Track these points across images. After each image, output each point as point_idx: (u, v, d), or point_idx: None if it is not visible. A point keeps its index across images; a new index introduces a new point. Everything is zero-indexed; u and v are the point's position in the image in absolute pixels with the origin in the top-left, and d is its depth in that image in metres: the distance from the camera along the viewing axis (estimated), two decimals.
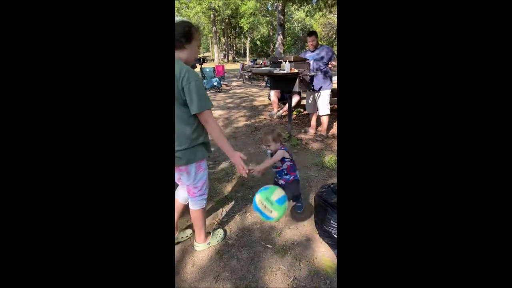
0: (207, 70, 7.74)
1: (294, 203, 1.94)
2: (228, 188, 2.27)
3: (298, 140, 3.30)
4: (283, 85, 2.98)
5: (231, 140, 3.49)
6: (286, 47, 31.46)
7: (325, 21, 21.30)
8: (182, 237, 1.65)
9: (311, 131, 3.66)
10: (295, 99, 4.45)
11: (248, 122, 4.36)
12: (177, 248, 1.59)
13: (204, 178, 1.40)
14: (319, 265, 1.45)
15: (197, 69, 8.03)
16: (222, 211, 1.96)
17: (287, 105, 4.44)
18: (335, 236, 1.49)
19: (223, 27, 25.98)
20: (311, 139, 3.42)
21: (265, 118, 4.59)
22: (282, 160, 1.75)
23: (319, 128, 3.66)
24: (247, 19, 21.21)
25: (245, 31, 24.25)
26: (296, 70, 2.77)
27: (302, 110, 4.82)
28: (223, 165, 2.71)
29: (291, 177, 1.78)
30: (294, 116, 4.62)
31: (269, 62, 3.44)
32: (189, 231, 1.70)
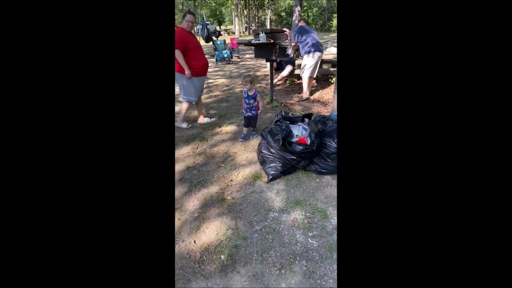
0: (218, 42, 8.23)
1: (252, 130, 2.79)
2: (207, 133, 2.98)
3: (278, 103, 3.86)
4: (263, 53, 3.49)
5: (223, 102, 4.15)
6: (311, 18, 30.09)
7: None
8: None
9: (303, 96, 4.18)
10: (288, 68, 4.90)
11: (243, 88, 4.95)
12: None
13: None
14: (250, 175, 2.14)
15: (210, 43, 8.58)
16: (195, 147, 2.67)
17: (281, 74, 4.93)
18: (264, 157, 2.13)
19: None
20: (295, 103, 3.96)
21: (260, 86, 5.13)
22: (254, 100, 2.49)
23: (302, 93, 4.18)
24: None
25: (266, 2, 23.69)
26: (272, 41, 3.26)
27: (295, 80, 5.26)
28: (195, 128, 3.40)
29: (255, 113, 2.63)
30: (287, 85, 5.10)
31: (253, 34, 3.95)
32: None
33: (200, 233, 1.58)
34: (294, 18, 11.74)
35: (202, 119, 3.29)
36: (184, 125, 3.10)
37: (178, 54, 2.70)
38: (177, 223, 1.66)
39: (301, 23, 4.07)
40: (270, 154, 2.09)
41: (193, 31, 2.89)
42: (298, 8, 11.37)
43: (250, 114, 2.67)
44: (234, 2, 22.78)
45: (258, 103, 2.66)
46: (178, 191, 1.97)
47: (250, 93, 2.60)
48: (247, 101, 2.63)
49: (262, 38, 3.17)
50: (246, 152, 2.50)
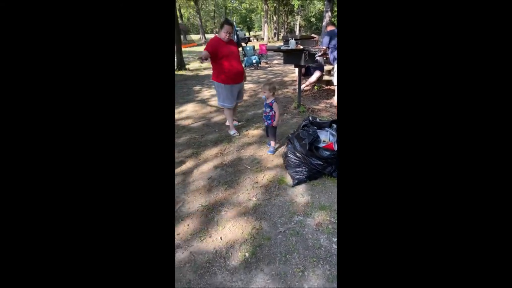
0: (247, 48, 8.45)
1: (268, 144, 2.67)
2: (234, 136, 3.08)
3: (305, 108, 3.87)
4: (292, 59, 3.54)
5: (250, 107, 4.25)
6: None
7: None
8: None
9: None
10: (316, 74, 4.89)
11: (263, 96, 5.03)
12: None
13: None
14: (275, 178, 2.18)
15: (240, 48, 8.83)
16: (223, 149, 2.78)
17: (309, 79, 4.94)
18: (289, 161, 2.17)
19: (275, 4, 25.81)
20: (323, 109, 3.95)
21: (287, 91, 5.17)
22: (271, 109, 2.49)
23: (331, 99, 4.15)
24: None
25: (295, 8, 23.81)
26: (301, 47, 3.30)
27: (323, 85, 5.22)
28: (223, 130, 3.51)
29: (271, 123, 2.54)
30: (315, 90, 5.09)
31: (282, 40, 4.01)
32: None
33: (226, 231, 1.65)
34: (324, 23, 11.56)
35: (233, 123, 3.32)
36: (232, 132, 3.11)
37: (205, 54, 2.70)
38: (204, 220, 1.75)
39: (331, 27, 4.03)
40: (296, 158, 2.12)
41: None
42: (329, 13, 11.23)
43: (267, 124, 2.57)
44: (264, 9, 23.17)
45: (274, 112, 2.51)
46: (206, 189, 2.07)
47: (268, 101, 2.51)
48: (264, 109, 2.57)
49: (292, 44, 3.23)
50: (272, 156, 2.55)
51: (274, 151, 2.60)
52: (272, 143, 2.63)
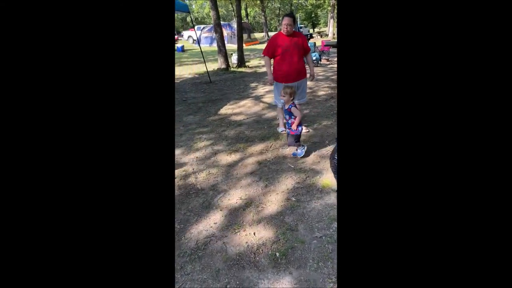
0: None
1: (297, 148, 2.44)
2: (281, 133, 3.03)
3: None
4: None
5: (304, 106, 4.12)
6: None
7: None
8: None
9: None
10: None
11: (327, 92, 4.79)
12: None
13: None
14: (319, 181, 2.06)
15: None
16: (269, 146, 2.76)
17: None
18: (336, 164, 2.02)
19: None
20: None
21: None
22: (290, 115, 2.34)
23: None
24: None
25: None
26: None
27: None
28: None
29: (293, 131, 2.34)
30: None
31: None
32: None
33: (260, 227, 1.64)
34: None
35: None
36: (280, 130, 3.11)
37: (265, 60, 2.87)
38: (241, 213, 1.78)
39: None
40: None
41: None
42: None
43: (289, 131, 2.37)
44: (331, 3, 22.13)
45: (295, 117, 2.28)
46: (247, 183, 2.10)
47: (286, 107, 2.33)
48: (284, 115, 2.38)
49: None
50: (319, 157, 2.43)
51: (302, 153, 2.41)
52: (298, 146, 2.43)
